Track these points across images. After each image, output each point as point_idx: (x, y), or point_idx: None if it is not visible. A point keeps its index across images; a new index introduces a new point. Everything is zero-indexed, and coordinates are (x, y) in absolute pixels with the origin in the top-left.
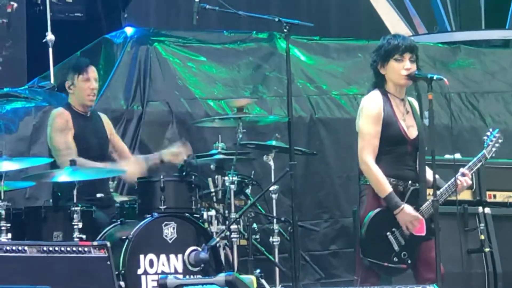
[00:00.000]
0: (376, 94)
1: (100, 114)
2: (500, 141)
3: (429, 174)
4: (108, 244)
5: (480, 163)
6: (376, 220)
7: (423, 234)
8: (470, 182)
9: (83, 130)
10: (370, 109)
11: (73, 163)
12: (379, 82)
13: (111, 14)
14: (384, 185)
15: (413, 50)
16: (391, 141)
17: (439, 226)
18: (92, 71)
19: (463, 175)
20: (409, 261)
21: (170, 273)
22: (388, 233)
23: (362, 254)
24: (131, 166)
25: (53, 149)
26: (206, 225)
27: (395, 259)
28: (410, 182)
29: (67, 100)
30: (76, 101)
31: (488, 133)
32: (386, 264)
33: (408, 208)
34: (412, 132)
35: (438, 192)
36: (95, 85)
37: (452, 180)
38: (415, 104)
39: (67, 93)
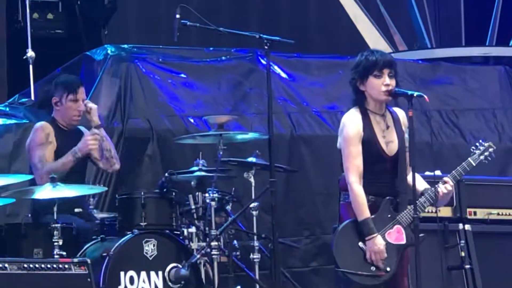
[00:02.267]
0: (354, 114)
1: (83, 129)
2: (491, 150)
3: (418, 182)
4: (89, 261)
5: (465, 171)
6: (346, 231)
7: (403, 242)
8: (450, 188)
9: (65, 144)
10: (349, 130)
11: (53, 179)
12: (359, 99)
13: (91, 31)
14: (363, 210)
15: (391, 65)
16: (370, 160)
17: (421, 235)
18: (82, 92)
19: (444, 182)
20: (388, 269)
21: None
22: (360, 243)
23: (335, 267)
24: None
25: (30, 162)
26: (186, 242)
27: (373, 268)
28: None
29: (48, 116)
30: (60, 118)
31: (477, 143)
32: (360, 272)
33: (378, 240)
34: (391, 148)
35: (419, 202)
36: (83, 107)
37: (433, 188)
38: (401, 114)
39: (48, 110)
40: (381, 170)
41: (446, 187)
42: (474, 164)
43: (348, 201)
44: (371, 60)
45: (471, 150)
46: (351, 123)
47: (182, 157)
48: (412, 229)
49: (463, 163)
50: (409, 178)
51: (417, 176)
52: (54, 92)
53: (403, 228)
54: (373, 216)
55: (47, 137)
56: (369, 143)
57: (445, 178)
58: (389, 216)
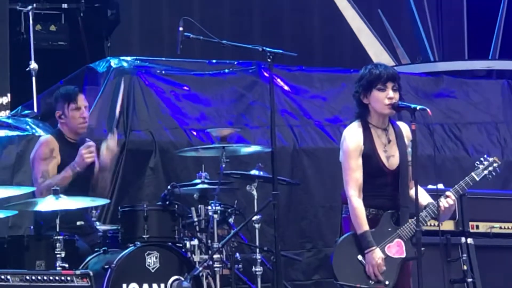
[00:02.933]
0: (356, 127)
1: (88, 141)
2: (495, 165)
3: (422, 196)
4: (91, 273)
5: (468, 185)
6: (346, 244)
7: (403, 256)
8: (452, 203)
9: (70, 158)
10: (349, 143)
11: (56, 191)
12: (362, 112)
13: (94, 43)
14: (361, 223)
15: (395, 79)
16: (371, 174)
17: (422, 249)
18: (82, 99)
19: (446, 197)
20: (387, 282)
21: None
22: (359, 256)
23: (334, 279)
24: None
25: (32, 175)
26: (189, 254)
27: (371, 281)
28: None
29: (52, 129)
30: (67, 129)
31: (482, 158)
32: (358, 285)
33: (377, 253)
34: (392, 162)
35: (420, 216)
36: (86, 113)
37: (435, 203)
38: (404, 128)
39: (52, 122)
40: (382, 183)
41: (448, 201)
42: (477, 179)
43: (349, 214)
44: (375, 73)
45: (475, 164)
46: (352, 136)
47: (184, 170)
48: (414, 243)
49: (466, 178)
50: (412, 192)
51: (421, 190)
52: (56, 105)
53: (403, 241)
54: (373, 229)
55: (52, 152)
56: (369, 157)
57: (448, 193)
58: (389, 229)
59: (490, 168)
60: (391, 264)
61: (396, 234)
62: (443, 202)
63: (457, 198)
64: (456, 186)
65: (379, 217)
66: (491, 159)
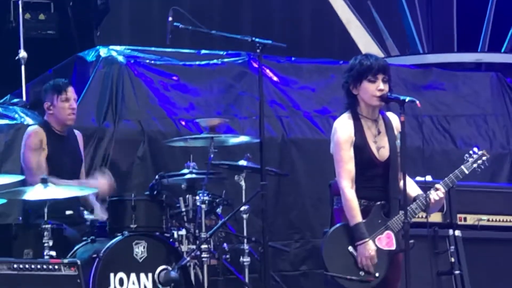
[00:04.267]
0: (346, 119)
1: (76, 132)
2: (484, 158)
3: (411, 187)
4: (79, 262)
5: (458, 178)
6: (336, 234)
7: (393, 248)
8: (442, 195)
9: (57, 150)
10: (341, 135)
11: (44, 180)
12: (351, 103)
13: (84, 32)
14: (355, 214)
15: (386, 70)
16: (362, 165)
17: (411, 241)
18: (71, 91)
19: (436, 189)
20: (377, 274)
21: None
22: (350, 247)
23: (324, 270)
24: (102, 182)
25: (25, 167)
26: (176, 244)
27: (362, 273)
28: (377, 202)
29: (40, 117)
30: (54, 121)
31: (471, 151)
32: (349, 277)
33: (370, 245)
34: (383, 153)
35: (410, 209)
36: (75, 105)
37: (424, 195)
38: (393, 119)
39: (41, 111)
40: (373, 175)
41: (438, 194)
42: (467, 172)
43: (341, 206)
44: (366, 64)
45: (465, 157)
46: (343, 128)
47: (173, 160)
48: (403, 235)
49: (456, 171)
50: (401, 183)
51: (411, 181)
52: (45, 97)
53: (393, 233)
54: (364, 220)
55: (41, 143)
56: (360, 148)
57: (437, 185)
58: (379, 221)
59: (479, 162)
60: (381, 256)
61: (386, 226)
62: (433, 195)
63: (446, 191)
64: (446, 178)
65: (370, 209)
66: (480, 152)
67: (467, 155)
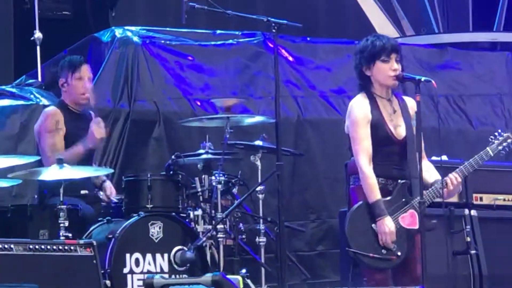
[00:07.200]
0: (362, 98)
1: (91, 113)
2: (509, 141)
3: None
4: (94, 242)
5: (482, 160)
6: (359, 212)
7: (416, 227)
8: (460, 180)
9: (74, 128)
10: (357, 113)
11: (60, 161)
12: (365, 84)
13: (99, 13)
14: (374, 191)
15: (398, 50)
16: (379, 143)
17: (434, 221)
18: (86, 70)
19: (452, 177)
20: (399, 253)
21: (156, 273)
22: (373, 225)
23: (347, 246)
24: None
25: (40, 148)
26: (192, 224)
27: (384, 251)
28: (399, 181)
29: (56, 98)
30: (69, 98)
31: (496, 133)
32: (371, 255)
33: (388, 221)
34: (399, 131)
35: (426, 192)
36: (89, 84)
37: (441, 180)
38: (409, 101)
39: (56, 91)
40: (390, 152)
41: (456, 178)
42: (492, 154)
43: (358, 185)
44: (379, 45)
45: (490, 139)
46: (359, 106)
47: (188, 140)
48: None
49: (481, 153)
50: (424, 163)
51: (430, 165)
52: (61, 73)
53: (417, 213)
54: (388, 198)
55: (57, 124)
56: (377, 126)
57: (454, 173)
58: (403, 200)
59: (504, 144)
60: (403, 235)
61: (410, 205)
62: (449, 183)
63: (470, 173)
64: (471, 160)
65: (387, 187)
66: (505, 135)
67: (492, 137)
